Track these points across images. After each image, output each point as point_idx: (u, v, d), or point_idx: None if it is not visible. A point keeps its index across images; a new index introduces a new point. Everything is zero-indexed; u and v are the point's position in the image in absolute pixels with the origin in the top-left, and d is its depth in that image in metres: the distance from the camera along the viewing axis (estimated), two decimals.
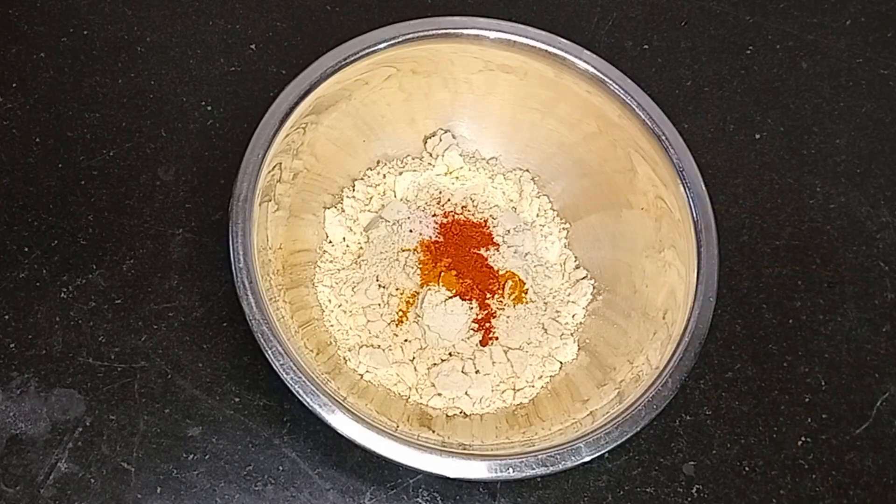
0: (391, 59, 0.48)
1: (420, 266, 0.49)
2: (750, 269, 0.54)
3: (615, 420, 0.41)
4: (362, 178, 0.52)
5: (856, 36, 0.63)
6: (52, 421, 0.45)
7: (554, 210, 0.53)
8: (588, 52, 0.49)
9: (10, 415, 0.45)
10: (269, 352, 0.40)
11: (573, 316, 0.50)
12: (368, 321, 0.48)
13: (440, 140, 0.53)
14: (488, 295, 0.49)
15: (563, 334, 0.49)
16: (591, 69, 0.48)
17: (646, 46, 0.61)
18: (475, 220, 0.51)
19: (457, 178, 0.53)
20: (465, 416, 0.47)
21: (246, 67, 0.57)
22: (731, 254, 0.54)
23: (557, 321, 0.50)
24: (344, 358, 0.47)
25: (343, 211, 0.51)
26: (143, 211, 0.51)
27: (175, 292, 0.49)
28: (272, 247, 0.46)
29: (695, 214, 0.46)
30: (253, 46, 0.58)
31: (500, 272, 0.50)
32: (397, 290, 0.48)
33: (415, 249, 0.49)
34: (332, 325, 0.48)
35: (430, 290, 0.48)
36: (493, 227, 0.51)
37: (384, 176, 0.53)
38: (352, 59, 0.47)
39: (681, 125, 0.48)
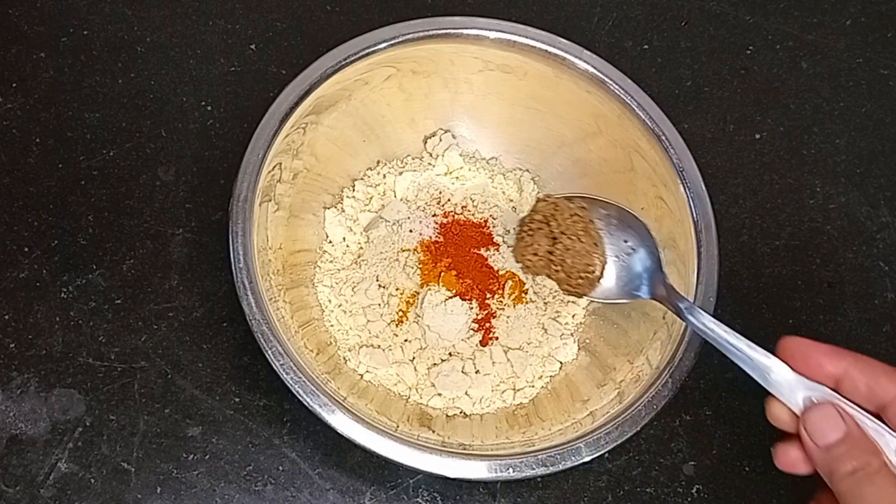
0: (391, 59, 0.48)
1: (420, 266, 0.49)
2: (750, 269, 0.54)
3: (615, 420, 0.41)
4: (362, 178, 0.52)
5: (856, 36, 0.63)
6: (52, 421, 0.45)
7: None
8: (588, 52, 0.49)
9: (10, 415, 0.45)
10: (269, 352, 0.40)
11: (573, 316, 0.50)
12: (368, 321, 0.48)
13: (440, 140, 0.53)
14: (488, 295, 0.49)
15: (563, 334, 0.49)
16: (591, 69, 0.48)
17: (646, 46, 0.61)
18: (475, 220, 0.51)
19: (457, 178, 0.53)
20: (465, 416, 0.47)
21: (246, 67, 0.57)
22: (731, 254, 0.54)
23: (557, 321, 0.50)
24: (344, 358, 0.47)
25: (343, 211, 0.51)
26: (143, 211, 0.51)
27: (175, 292, 0.49)
28: (272, 247, 0.46)
29: (695, 214, 0.46)
30: (253, 46, 0.58)
31: (500, 272, 0.50)
32: (397, 290, 0.48)
33: (415, 249, 0.49)
34: (332, 325, 0.48)
35: (430, 290, 0.48)
36: (493, 227, 0.51)
37: (384, 176, 0.53)
38: (352, 59, 0.47)
39: (681, 125, 0.48)
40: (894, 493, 0.33)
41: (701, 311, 0.41)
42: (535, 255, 0.48)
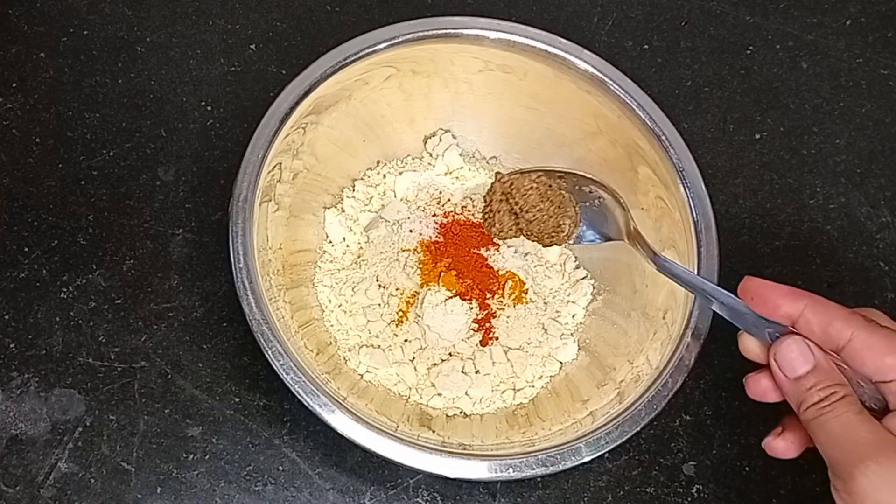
0: (391, 59, 0.48)
1: (420, 266, 0.49)
2: (750, 269, 0.53)
3: (615, 420, 0.41)
4: (362, 178, 0.52)
5: (856, 36, 0.63)
6: (52, 421, 0.45)
7: None
8: (588, 52, 0.48)
9: (10, 415, 0.45)
10: (269, 352, 0.40)
11: (573, 316, 0.50)
12: (368, 321, 0.48)
13: (440, 140, 0.53)
14: (488, 295, 0.49)
15: (563, 334, 0.49)
16: (591, 69, 0.48)
17: (646, 46, 0.61)
18: (475, 220, 0.51)
19: (457, 178, 0.53)
20: (465, 416, 0.47)
21: (246, 67, 0.57)
22: (731, 254, 0.54)
23: (557, 321, 0.50)
24: (344, 358, 0.47)
25: (343, 211, 0.51)
26: (143, 211, 0.51)
27: (175, 292, 0.49)
28: (272, 247, 0.46)
29: (695, 214, 0.46)
30: (253, 46, 0.58)
31: (500, 272, 0.50)
32: (397, 290, 0.48)
33: (415, 249, 0.49)
34: (332, 325, 0.48)
35: (430, 290, 0.48)
36: None
37: (384, 176, 0.53)
38: (352, 59, 0.47)
39: (681, 125, 0.48)
40: (855, 420, 0.35)
41: (669, 259, 0.43)
42: (502, 231, 0.49)
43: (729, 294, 0.39)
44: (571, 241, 0.48)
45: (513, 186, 0.48)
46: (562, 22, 0.61)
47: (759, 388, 0.39)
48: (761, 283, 0.38)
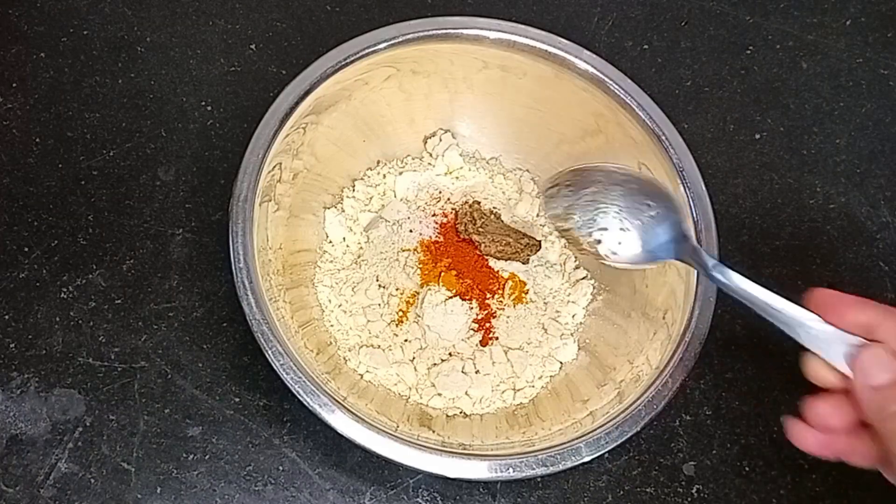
0: (391, 59, 0.48)
1: (420, 266, 0.49)
2: (750, 269, 0.53)
3: (615, 420, 0.41)
4: (362, 178, 0.52)
5: (856, 36, 0.63)
6: (52, 421, 0.45)
7: None
8: (588, 52, 0.49)
9: (10, 415, 0.45)
10: (269, 352, 0.40)
11: (573, 316, 0.50)
12: (368, 321, 0.48)
13: (440, 140, 0.53)
14: (488, 295, 0.49)
15: (563, 334, 0.49)
16: (591, 69, 0.48)
17: (646, 46, 0.61)
18: None
19: (457, 178, 0.53)
20: (465, 416, 0.47)
21: (246, 67, 0.57)
22: (731, 254, 0.54)
23: (557, 321, 0.50)
24: (344, 358, 0.47)
25: (343, 211, 0.51)
26: (143, 211, 0.51)
27: (175, 292, 0.49)
28: (272, 247, 0.46)
29: (695, 214, 0.46)
30: (253, 46, 0.58)
31: (500, 272, 0.50)
32: (397, 290, 0.48)
33: (415, 249, 0.49)
34: (332, 325, 0.48)
35: (430, 290, 0.48)
36: None
37: (384, 176, 0.53)
38: (352, 59, 0.47)
39: (681, 125, 0.48)
40: None
41: (728, 268, 0.39)
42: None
43: (801, 307, 0.37)
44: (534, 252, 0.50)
45: (474, 215, 0.50)
46: (562, 22, 0.61)
47: (817, 412, 0.36)
48: (830, 293, 0.37)
